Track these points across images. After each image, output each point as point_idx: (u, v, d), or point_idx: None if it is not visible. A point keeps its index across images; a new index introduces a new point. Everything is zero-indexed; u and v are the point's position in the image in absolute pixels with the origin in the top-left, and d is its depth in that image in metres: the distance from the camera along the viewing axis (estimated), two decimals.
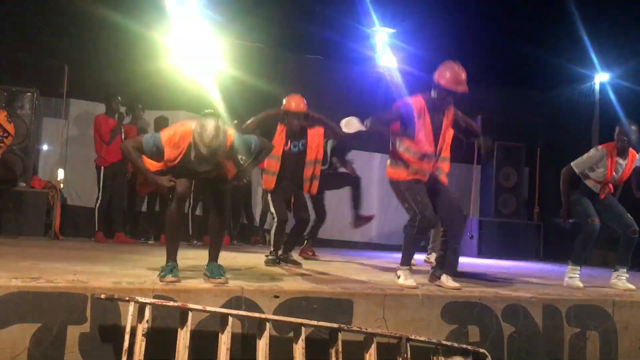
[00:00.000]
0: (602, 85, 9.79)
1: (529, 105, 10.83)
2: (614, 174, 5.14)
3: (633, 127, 5.09)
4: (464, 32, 10.24)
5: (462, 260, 6.83)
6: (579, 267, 5.11)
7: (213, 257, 3.91)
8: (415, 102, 4.42)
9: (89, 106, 8.18)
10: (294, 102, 5.37)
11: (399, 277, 4.23)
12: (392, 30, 10.06)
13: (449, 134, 4.59)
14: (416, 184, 4.37)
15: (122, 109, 7.70)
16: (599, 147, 5.23)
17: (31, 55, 7.75)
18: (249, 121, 5.33)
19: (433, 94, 4.41)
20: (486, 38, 10.19)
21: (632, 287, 4.92)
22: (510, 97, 10.84)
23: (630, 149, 5.18)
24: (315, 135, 5.52)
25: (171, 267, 3.68)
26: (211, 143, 3.51)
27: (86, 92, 8.16)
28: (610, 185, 5.21)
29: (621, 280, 5.05)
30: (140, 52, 8.24)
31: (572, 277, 5.05)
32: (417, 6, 9.64)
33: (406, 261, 4.34)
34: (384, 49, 10.10)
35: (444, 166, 4.63)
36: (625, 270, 5.10)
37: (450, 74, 4.32)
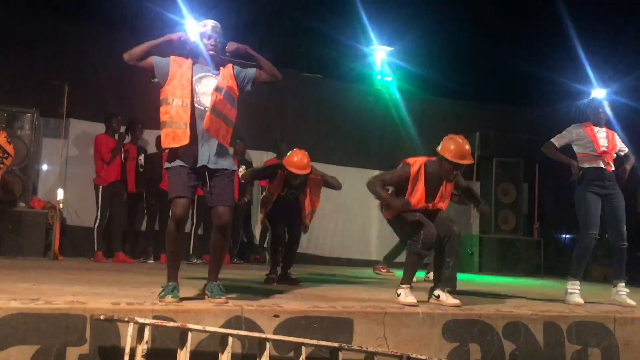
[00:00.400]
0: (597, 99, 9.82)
1: (527, 121, 10.88)
2: (602, 142, 5.21)
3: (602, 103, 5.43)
4: (461, 49, 10.32)
5: (463, 277, 6.84)
6: (578, 282, 5.07)
7: (213, 277, 3.89)
8: (414, 166, 4.45)
9: (89, 126, 8.21)
10: (296, 166, 5.29)
11: (399, 295, 4.22)
12: (390, 49, 10.15)
13: (446, 192, 4.59)
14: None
15: (122, 129, 7.73)
16: (574, 125, 5.41)
17: (31, 75, 7.81)
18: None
19: (438, 164, 4.41)
20: (484, 55, 10.26)
21: (633, 303, 4.89)
22: (509, 114, 10.91)
23: (606, 128, 5.34)
24: (315, 185, 5.59)
25: (171, 288, 3.66)
26: None
27: (86, 112, 8.20)
28: (610, 157, 5.21)
29: (621, 296, 5.02)
30: (141, 72, 8.30)
31: (572, 293, 5.01)
32: (414, 25, 9.72)
33: (407, 280, 4.31)
34: (382, 67, 10.18)
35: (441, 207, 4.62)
36: (623, 284, 5.08)
37: (454, 147, 4.31)
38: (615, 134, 5.41)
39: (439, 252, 4.48)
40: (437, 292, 4.35)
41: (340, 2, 10.11)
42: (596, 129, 5.30)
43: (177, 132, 3.77)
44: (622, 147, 5.39)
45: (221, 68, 3.98)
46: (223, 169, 3.85)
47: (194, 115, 3.82)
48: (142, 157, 8.00)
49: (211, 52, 3.94)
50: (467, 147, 4.35)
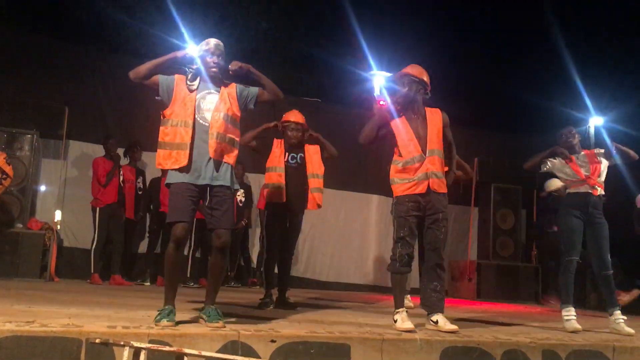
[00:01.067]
0: (596, 128, 9.91)
1: (525, 148, 10.90)
2: (582, 169, 5.20)
3: (572, 130, 5.44)
4: (461, 76, 10.43)
5: (461, 303, 6.79)
6: (571, 308, 5.06)
7: (210, 300, 3.88)
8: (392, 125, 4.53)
9: (88, 148, 8.25)
10: (293, 115, 5.52)
11: (395, 322, 4.20)
12: (390, 74, 10.21)
13: (437, 135, 4.53)
14: (408, 202, 4.35)
15: (120, 150, 7.75)
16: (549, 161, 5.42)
17: (32, 97, 7.85)
18: (247, 134, 5.25)
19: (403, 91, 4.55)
20: (483, 82, 10.36)
21: (632, 331, 4.87)
22: (507, 141, 10.96)
23: (585, 150, 5.38)
24: (314, 152, 5.64)
25: (168, 311, 3.64)
26: None
27: (85, 134, 8.25)
28: (595, 180, 5.18)
29: (619, 324, 4.99)
30: (141, 94, 8.36)
31: (568, 320, 5.00)
32: (414, 51, 9.83)
33: (399, 304, 4.30)
34: (381, 92, 10.24)
35: (437, 163, 4.44)
36: (619, 312, 5.06)
37: (416, 69, 4.59)
38: (596, 151, 5.37)
39: (425, 273, 4.48)
40: (434, 317, 4.31)
41: (341, 29, 10.25)
42: (575, 156, 5.31)
43: (177, 154, 3.82)
44: (604, 166, 5.31)
45: (222, 87, 4.03)
46: (226, 185, 3.89)
47: (199, 131, 3.88)
48: (140, 180, 8.01)
49: (213, 70, 3.99)
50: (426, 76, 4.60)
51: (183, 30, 8.56)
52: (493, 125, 10.94)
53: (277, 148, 5.51)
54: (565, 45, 9.71)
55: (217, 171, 3.88)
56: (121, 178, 7.67)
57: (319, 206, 5.61)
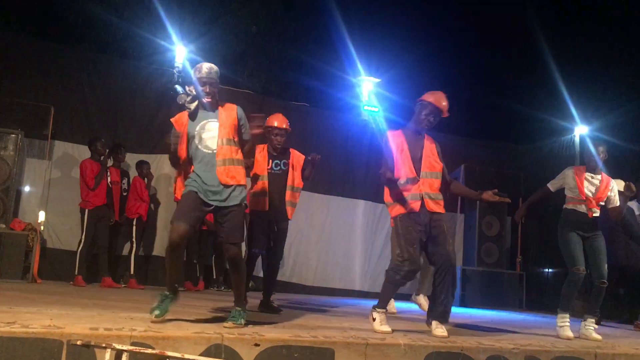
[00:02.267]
0: (581, 137, 10.00)
1: (511, 156, 11.02)
2: (587, 190, 5.34)
3: (600, 148, 5.48)
4: (448, 84, 10.49)
5: None
6: (567, 315, 5.20)
7: (236, 303, 4.12)
8: (394, 132, 4.65)
9: (73, 148, 8.18)
10: (277, 119, 5.48)
11: (374, 320, 4.25)
12: (377, 80, 10.27)
13: (433, 157, 4.63)
14: (408, 219, 4.41)
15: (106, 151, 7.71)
16: (567, 168, 5.59)
17: (17, 97, 7.78)
18: (246, 159, 5.26)
19: (412, 124, 4.67)
20: (469, 91, 10.45)
21: (599, 337, 5.07)
22: (493, 149, 11.05)
23: (603, 174, 5.48)
24: (298, 160, 5.62)
25: (162, 298, 3.97)
26: None
27: (71, 135, 8.18)
28: (595, 204, 5.33)
29: (588, 330, 5.21)
30: (126, 96, 8.34)
31: (562, 326, 5.16)
32: (401, 57, 9.89)
33: (383, 304, 4.42)
34: (369, 98, 10.28)
35: (432, 186, 4.56)
36: (593, 320, 5.27)
37: (437, 96, 4.68)
38: (612, 183, 5.50)
39: (436, 286, 4.51)
40: (429, 320, 4.46)
41: (328, 35, 10.28)
42: (589, 174, 5.43)
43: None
44: (614, 198, 5.46)
45: (220, 109, 4.14)
46: (234, 205, 4.04)
47: (205, 161, 4.04)
48: (125, 181, 7.97)
49: (207, 100, 4.09)
50: (445, 102, 4.65)
51: (171, 31, 8.55)
52: (479, 133, 11.02)
53: (260, 155, 5.46)
54: (551, 54, 9.81)
55: (229, 195, 4.03)
56: (109, 180, 7.62)
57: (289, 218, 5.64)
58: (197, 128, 4.06)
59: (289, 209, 5.52)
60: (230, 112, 4.14)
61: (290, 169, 5.53)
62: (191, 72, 4.18)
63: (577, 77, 9.88)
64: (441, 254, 4.48)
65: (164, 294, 4.05)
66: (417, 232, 4.43)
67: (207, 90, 4.05)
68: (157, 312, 3.88)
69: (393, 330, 4.25)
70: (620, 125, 9.26)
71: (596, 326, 5.31)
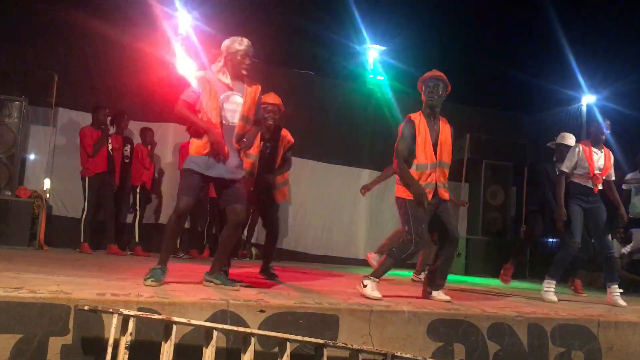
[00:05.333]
0: (589, 106, 9.92)
1: (517, 126, 10.94)
2: (596, 165, 5.49)
3: (607, 122, 5.64)
4: (454, 52, 10.36)
5: (449, 278, 6.82)
6: (554, 282, 5.47)
7: (218, 268, 4.25)
8: (415, 118, 4.68)
9: (77, 115, 8.16)
10: (271, 97, 5.44)
11: (365, 287, 4.33)
12: (383, 48, 10.15)
13: (445, 144, 4.67)
14: (420, 208, 4.48)
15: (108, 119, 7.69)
16: (574, 145, 5.70)
17: (21, 64, 7.74)
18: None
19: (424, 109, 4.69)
20: (477, 59, 10.31)
21: (624, 304, 5.33)
22: (499, 118, 10.96)
23: (605, 147, 5.62)
24: (288, 141, 5.59)
25: (159, 271, 3.98)
26: None
27: (75, 102, 8.16)
28: (600, 179, 5.49)
29: (614, 297, 5.40)
30: (131, 63, 8.27)
31: (548, 291, 5.41)
32: (408, 25, 9.74)
33: (378, 275, 4.49)
34: (375, 66, 10.18)
35: (444, 175, 4.67)
36: (616, 286, 5.45)
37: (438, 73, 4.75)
38: (611, 155, 5.65)
39: (440, 259, 4.67)
40: (429, 289, 4.65)
41: (334, 1, 10.12)
42: (594, 149, 5.56)
43: (203, 142, 4.10)
44: (611, 171, 5.63)
45: (246, 87, 4.23)
46: (239, 178, 4.22)
47: (222, 130, 4.11)
48: (127, 148, 7.96)
49: (244, 70, 4.19)
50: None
51: None
52: (485, 102, 10.91)
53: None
54: (558, 22, 9.65)
55: (232, 167, 4.17)
56: (110, 147, 7.60)
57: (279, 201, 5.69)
58: (221, 98, 4.13)
59: (280, 191, 5.59)
60: (254, 90, 4.26)
61: (275, 151, 5.51)
62: (228, 42, 4.19)
63: (585, 45, 9.73)
64: (447, 229, 4.61)
65: (160, 268, 4.06)
66: (425, 213, 4.51)
67: (248, 62, 4.16)
68: (151, 280, 3.93)
69: (385, 297, 4.30)
70: (629, 94, 9.15)
71: (621, 291, 5.48)
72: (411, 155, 4.57)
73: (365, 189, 7.03)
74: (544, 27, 10.07)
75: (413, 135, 4.58)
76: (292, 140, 5.61)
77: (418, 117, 4.65)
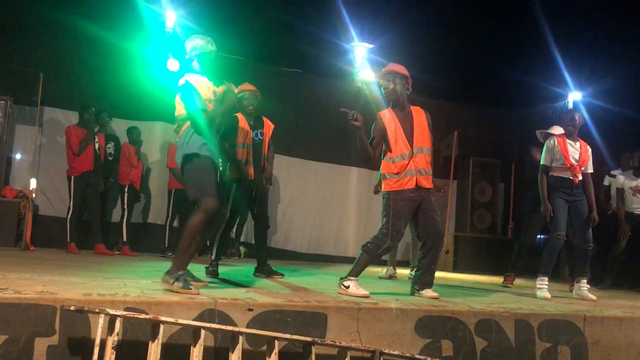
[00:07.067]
0: (575, 103, 9.97)
1: (504, 122, 10.99)
2: (571, 156, 5.51)
3: (577, 114, 5.66)
4: (441, 49, 10.38)
5: (438, 274, 6.85)
6: (546, 278, 5.45)
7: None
8: (383, 114, 4.69)
9: (63, 114, 8.11)
10: (247, 85, 5.54)
11: (347, 287, 4.31)
12: (371, 46, 10.15)
13: (423, 132, 4.68)
14: (402, 194, 4.49)
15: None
16: (549, 138, 5.72)
17: (6, 63, 7.66)
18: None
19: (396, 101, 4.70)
20: (463, 56, 10.33)
21: (594, 297, 5.41)
22: (487, 115, 11.00)
23: (580, 140, 5.64)
24: (270, 126, 5.70)
25: (191, 277, 3.98)
26: None
27: (60, 101, 8.10)
28: (578, 169, 5.51)
29: (583, 291, 5.51)
30: (117, 62, 8.21)
31: (541, 288, 5.40)
32: (395, 23, 9.74)
33: (357, 273, 4.46)
34: (363, 64, 10.18)
35: (426, 160, 4.63)
36: (585, 281, 5.55)
37: (399, 66, 4.80)
38: (589, 148, 5.68)
39: (425, 256, 4.65)
40: (417, 286, 4.63)
41: None
42: (569, 141, 5.59)
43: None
44: (589, 163, 5.65)
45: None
46: None
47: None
48: (110, 146, 7.91)
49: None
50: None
51: None
52: (472, 99, 10.96)
53: (244, 124, 5.46)
54: (545, 19, 9.71)
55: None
56: (96, 146, 7.55)
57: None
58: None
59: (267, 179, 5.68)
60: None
61: (265, 137, 5.63)
62: (195, 39, 4.24)
63: (571, 42, 9.79)
64: (431, 225, 4.60)
65: (185, 274, 3.86)
66: (408, 208, 4.52)
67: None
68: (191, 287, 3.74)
69: (373, 293, 4.31)
70: (614, 91, 9.23)
71: (588, 286, 5.57)
72: (387, 150, 4.61)
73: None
74: (531, 24, 10.12)
75: (382, 131, 4.61)
76: (273, 125, 5.72)
77: (386, 113, 4.68)
